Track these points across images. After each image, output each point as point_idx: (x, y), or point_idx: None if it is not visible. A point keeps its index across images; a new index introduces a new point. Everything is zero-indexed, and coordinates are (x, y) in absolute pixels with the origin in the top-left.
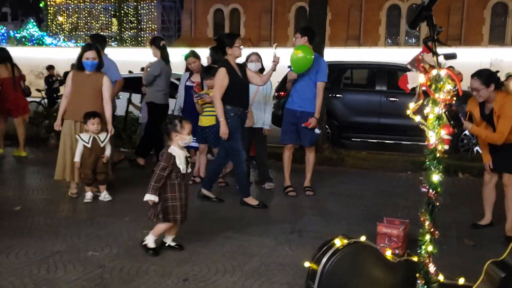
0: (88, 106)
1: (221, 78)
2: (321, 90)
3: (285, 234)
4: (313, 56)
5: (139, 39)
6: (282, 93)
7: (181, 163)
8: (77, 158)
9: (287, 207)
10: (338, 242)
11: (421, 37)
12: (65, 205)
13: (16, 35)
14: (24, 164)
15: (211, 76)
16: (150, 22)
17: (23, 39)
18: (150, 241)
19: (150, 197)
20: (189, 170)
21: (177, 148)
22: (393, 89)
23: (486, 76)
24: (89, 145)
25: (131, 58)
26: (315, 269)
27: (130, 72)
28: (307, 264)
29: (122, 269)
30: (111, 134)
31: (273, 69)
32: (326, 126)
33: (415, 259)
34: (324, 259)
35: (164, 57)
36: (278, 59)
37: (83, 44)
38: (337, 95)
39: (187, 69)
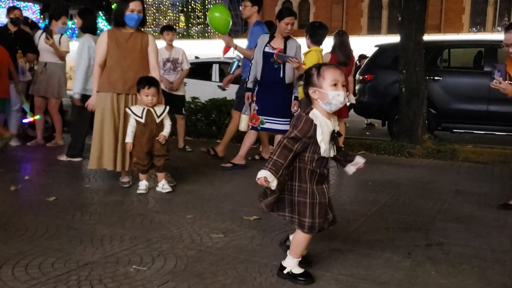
0: (135, 73)
1: None
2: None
3: (420, 248)
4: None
5: (206, 34)
6: (368, 76)
7: (323, 140)
8: (129, 139)
9: (403, 205)
10: None
11: None
12: (112, 196)
13: None
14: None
15: None
16: None
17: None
18: (292, 264)
19: (264, 174)
20: (333, 153)
21: (321, 114)
22: None
23: None
24: (142, 120)
25: (198, 52)
26: None
27: (197, 57)
28: None
29: None
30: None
31: None
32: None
33: None
34: None
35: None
36: None
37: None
38: (436, 78)
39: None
